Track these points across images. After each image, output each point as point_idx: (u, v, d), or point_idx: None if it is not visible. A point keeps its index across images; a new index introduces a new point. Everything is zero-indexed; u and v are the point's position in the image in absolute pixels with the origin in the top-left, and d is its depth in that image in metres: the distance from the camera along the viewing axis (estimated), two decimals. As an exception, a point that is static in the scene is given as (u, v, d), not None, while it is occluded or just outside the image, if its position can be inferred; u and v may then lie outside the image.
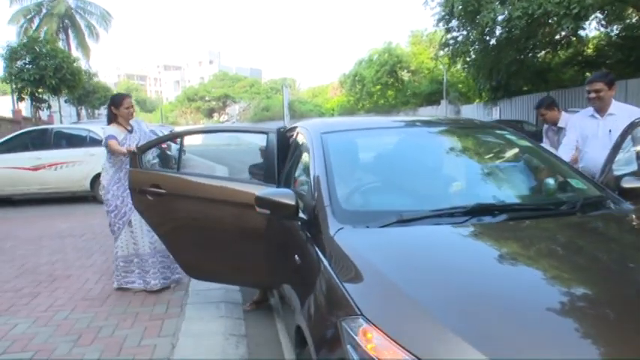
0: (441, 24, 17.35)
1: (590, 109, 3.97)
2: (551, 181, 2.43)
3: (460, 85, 27.65)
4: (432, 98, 29.27)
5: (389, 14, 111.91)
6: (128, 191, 3.67)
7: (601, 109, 3.88)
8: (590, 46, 17.46)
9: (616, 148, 3.33)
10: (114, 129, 3.98)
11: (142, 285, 3.95)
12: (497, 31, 14.09)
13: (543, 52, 17.73)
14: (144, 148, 3.53)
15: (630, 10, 14.04)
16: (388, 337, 1.36)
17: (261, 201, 2.31)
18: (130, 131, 4.05)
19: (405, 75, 33.27)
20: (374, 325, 1.40)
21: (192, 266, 3.43)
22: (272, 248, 2.79)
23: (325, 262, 1.84)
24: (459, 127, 3.24)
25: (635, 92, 13.95)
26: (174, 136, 4.62)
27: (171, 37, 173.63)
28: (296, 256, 2.20)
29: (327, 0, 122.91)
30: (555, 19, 13.21)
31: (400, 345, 1.33)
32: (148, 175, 3.40)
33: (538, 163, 2.72)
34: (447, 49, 18.41)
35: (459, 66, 20.31)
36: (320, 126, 2.84)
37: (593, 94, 3.89)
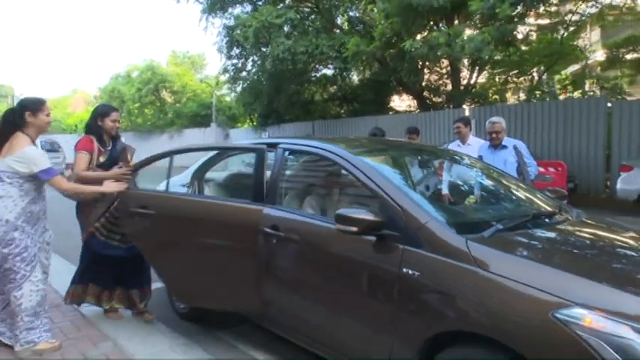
0: (224, 51, 17.96)
1: (457, 141, 5.49)
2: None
3: (229, 109, 28.58)
4: (197, 120, 29.32)
5: (136, 30, 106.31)
6: (37, 227, 3.10)
7: (462, 141, 5.42)
8: (349, 85, 20.79)
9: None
10: (39, 150, 3.11)
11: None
12: (284, 63, 15.45)
13: (316, 86, 20.25)
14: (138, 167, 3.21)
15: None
16: (607, 313, 1.71)
17: (346, 219, 2.32)
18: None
19: (167, 95, 32.40)
20: (591, 307, 1.73)
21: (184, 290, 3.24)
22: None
23: (470, 267, 2.04)
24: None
25: (383, 126, 17.23)
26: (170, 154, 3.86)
27: None
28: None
29: (53, 7, 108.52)
30: (332, 60, 15.46)
31: (616, 317, 1.70)
32: (138, 195, 3.12)
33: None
34: (226, 74, 19.05)
35: (238, 89, 21.20)
36: (347, 148, 2.91)
37: (456, 130, 5.45)
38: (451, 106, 17.04)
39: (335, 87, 20.21)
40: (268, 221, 2.86)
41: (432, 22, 12.81)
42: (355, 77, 19.80)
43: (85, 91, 52.47)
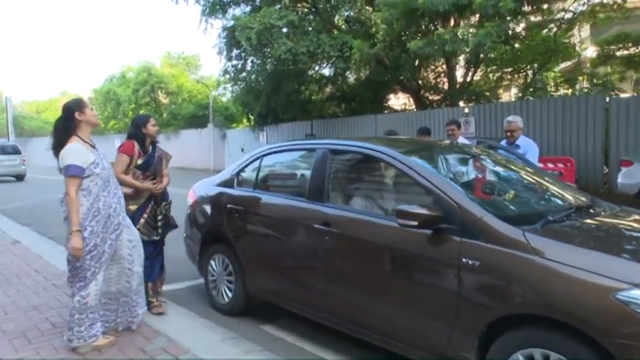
0: (224, 52, 18.08)
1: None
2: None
3: (226, 109, 28.62)
4: (194, 121, 29.34)
5: (126, 31, 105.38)
6: (107, 225, 3.18)
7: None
8: (347, 84, 20.96)
9: None
10: (79, 147, 3.16)
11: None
12: (285, 63, 15.60)
13: (315, 85, 20.41)
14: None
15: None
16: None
17: (407, 214, 2.52)
18: (94, 147, 3.31)
19: (162, 96, 32.36)
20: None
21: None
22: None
23: (529, 256, 2.24)
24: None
25: (382, 125, 17.44)
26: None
27: None
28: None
29: (43, 10, 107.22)
30: (333, 59, 15.64)
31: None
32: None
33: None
34: (227, 75, 19.16)
35: (237, 89, 21.30)
36: (397, 148, 3.11)
37: (449, 132, 5.71)
38: (447, 105, 17.33)
39: (334, 86, 20.38)
40: (319, 218, 3.06)
41: (434, 24, 13.06)
42: (352, 77, 19.97)
43: (74, 93, 52.12)
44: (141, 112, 32.67)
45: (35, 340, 3.48)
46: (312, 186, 3.39)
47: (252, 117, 23.72)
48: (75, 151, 3.11)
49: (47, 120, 44.84)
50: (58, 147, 3.18)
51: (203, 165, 27.20)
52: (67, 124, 3.20)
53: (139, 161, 4.00)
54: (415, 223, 2.50)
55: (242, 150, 23.41)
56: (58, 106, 49.68)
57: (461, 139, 5.76)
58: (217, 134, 27.51)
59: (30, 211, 11.22)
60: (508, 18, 12.39)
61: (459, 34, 12.10)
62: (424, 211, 2.51)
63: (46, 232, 7.95)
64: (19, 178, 20.89)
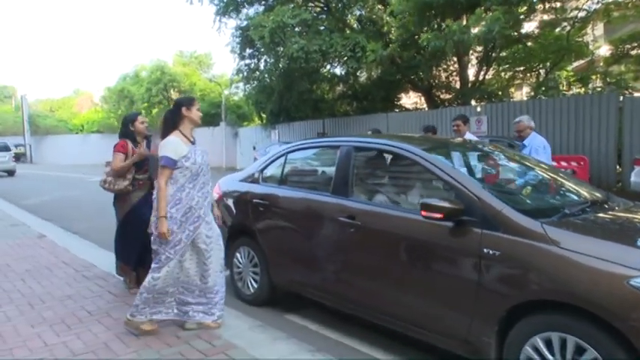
0: (237, 51, 18.32)
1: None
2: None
3: (238, 108, 28.89)
4: (206, 119, 29.63)
5: (138, 30, 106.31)
6: (187, 215, 3.32)
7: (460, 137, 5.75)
8: (359, 83, 21.12)
9: None
10: (176, 140, 3.35)
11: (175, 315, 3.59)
12: (297, 61, 15.78)
13: (327, 84, 20.60)
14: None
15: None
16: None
17: (431, 207, 2.68)
18: (193, 143, 3.49)
19: (175, 94, 32.73)
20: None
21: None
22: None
23: (547, 246, 2.39)
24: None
25: (394, 123, 17.56)
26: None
27: None
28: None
29: (57, 9, 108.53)
30: (345, 58, 15.81)
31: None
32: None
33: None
34: (240, 74, 19.41)
35: (250, 88, 21.57)
36: (418, 146, 3.28)
37: (455, 127, 5.92)
38: (459, 104, 17.39)
39: (346, 85, 20.54)
40: (344, 212, 3.26)
41: (446, 20, 13.12)
42: (364, 76, 20.11)
43: (88, 91, 52.83)
44: (154, 111, 33.16)
45: (74, 326, 3.68)
46: (336, 181, 3.56)
47: (264, 115, 23.95)
48: (170, 144, 3.31)
49: (61, 118, 45.52)
50: (162, 137, 3.40)
51: (215, 163, 27.45)
52: (173, 117, 3.42)
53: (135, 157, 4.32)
54: (439, 215, 2.67)
55: (254, 148, 23.63)
56: (72, 104, 50.56)
57: (468, 135, 5.93)
58: (229, 132, 27.78)
59: (50, 206, 11.53)
60: (515, 2, 12.41)
61: (468, 23, 12.22)
62: (447, 205, 2.67)
63: (69, 227, 8.20)
64: (10, 173, 22.34)
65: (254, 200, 4.23)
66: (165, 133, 3.39)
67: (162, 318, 3.53)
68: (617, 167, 11.64)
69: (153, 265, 3.38)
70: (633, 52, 16.56)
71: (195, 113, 3.46)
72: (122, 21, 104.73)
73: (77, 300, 4.29)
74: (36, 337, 3.47)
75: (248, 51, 18.76)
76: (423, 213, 2.72)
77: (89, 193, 14.12)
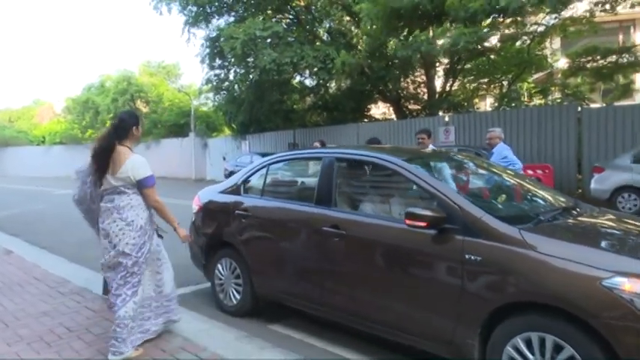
0: (206, 62, 18.25)
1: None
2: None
3: (208, 117, 28.65)
4: (175, 129, 29.28)
5: (101, 40, 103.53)
6: (147, 227, 3.36)
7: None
8: (330, 94, 21.37)
9: None
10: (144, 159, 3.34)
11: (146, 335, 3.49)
12: (269, 73, 15.86)
13: (298, 95, 20.74)
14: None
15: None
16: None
17: (415, 215, 2.80)
18: None
19: (141, 105, 32.18)
20: (628, 275, 2.25)
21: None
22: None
23: (525, 251, 2.54)
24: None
25: (364, 133, 17.80)
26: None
27: None
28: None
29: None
30: (315, 69, 16.00)
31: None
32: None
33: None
34: (210, 84, 19.33)
35: (219, 98, 21.47)
36: (398, 155, 3.40)
37: (420, 140, 6.18)
38: (426, 114, 17.84)
39: (316, 96, 20.75)
40: (328, 221, 3.34)
41: (413, 30, 13.52)
42: (334, 86, 20.37)
43: (49, 101, 51.24)
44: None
45: (54, 343, 3.60)
46: (319, 192, 3.64)
47: (234, 126, 23.86)
48: (146, 163, 3.31)
49: (21, 129, 43.94)
50: (103, 144, 3.25)
51: (184, 174, 27.12)
52: (122, 132, 3.30)
53: None
54: (423, 224, 2.78)
55: (224, 159, 23.48)
56: (32, 114, 48.86)
57: (431, 147, 6.27)
58: (199, 143, 27.50)
59: (15, 220, 11.13)
60: (479, 18, 12.91)
61: (435, 34, 12.65)
62: (431, 213, 2.80)
63: (37, 242, 7.95)
64: None
65: (236, 211, 4.25)
66: (109, 142, 3.22)
67: (139, 342, 3.44)
68: (578, 175, 12.20)
69: (129, 292, 3.24)
70: (589, 65, 17.48)
71: (139, 132, 3.43)
72: (86, 30, 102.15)
73: (54, 316, 4.19)
74: (14, 356, 3.38)
75: (218, 61, 18.74)
76: (408, 221, 2.83)
77: (54, 207, 13.71)
